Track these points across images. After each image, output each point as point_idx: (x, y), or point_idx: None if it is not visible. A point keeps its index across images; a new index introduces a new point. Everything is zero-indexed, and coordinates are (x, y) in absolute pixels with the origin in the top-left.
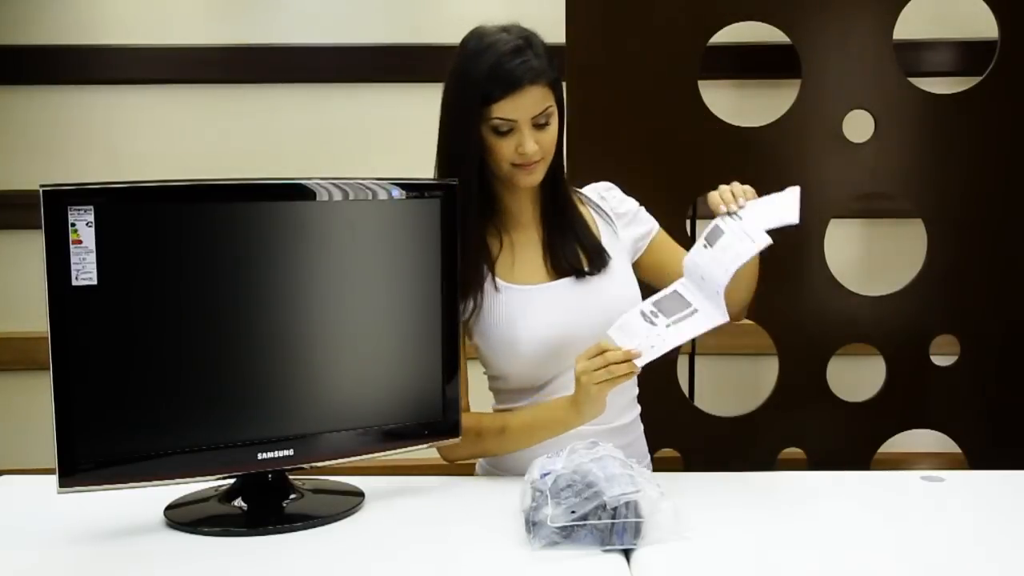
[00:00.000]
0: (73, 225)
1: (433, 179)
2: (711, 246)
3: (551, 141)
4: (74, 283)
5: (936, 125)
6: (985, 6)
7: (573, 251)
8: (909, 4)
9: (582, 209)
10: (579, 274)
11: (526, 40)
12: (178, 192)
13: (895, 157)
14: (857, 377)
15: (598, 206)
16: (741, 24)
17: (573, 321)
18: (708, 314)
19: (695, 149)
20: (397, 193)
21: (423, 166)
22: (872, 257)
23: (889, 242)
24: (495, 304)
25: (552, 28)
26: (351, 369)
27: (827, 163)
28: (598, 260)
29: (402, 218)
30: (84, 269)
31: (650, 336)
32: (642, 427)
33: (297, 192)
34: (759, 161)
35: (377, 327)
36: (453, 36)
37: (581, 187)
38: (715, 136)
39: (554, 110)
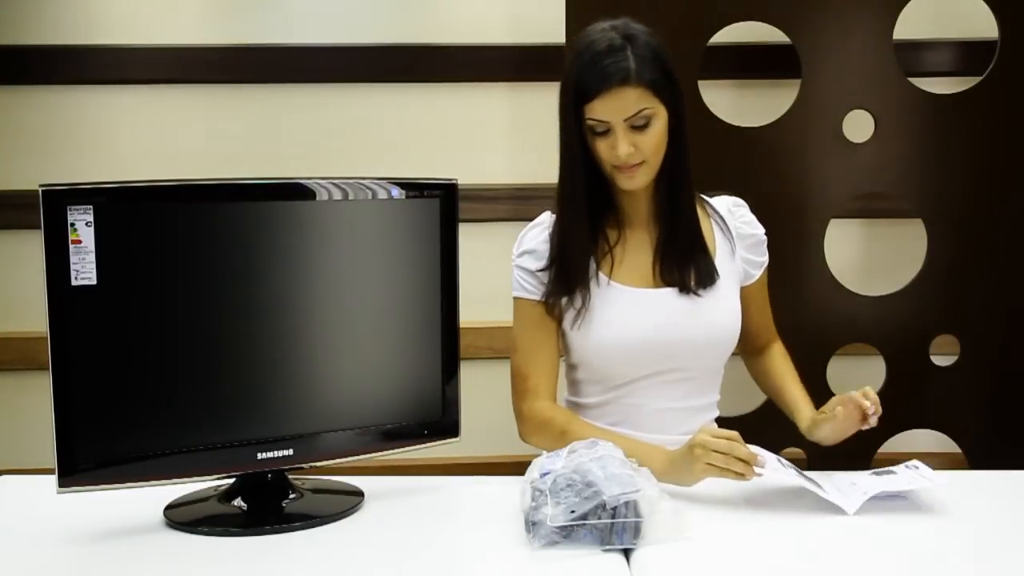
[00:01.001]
0: (72, 225)
1: (433, 179)
2: (879, 475)
3: (651, 144)
4: (73, 283)
5: (936, 125)
6: (985, 6)
7: (683, 263)
8: (909, 4)
9: (703, 220)
10: (684, 288)
11: (627, 38)
12: (177, 192)
13: (895, 157)
14: (857, 377)
15: (723, 220)
16: (741, 24)
17: (666, 333)
18: (839, 499)
19: (695, 149)
20: (397, 193)
21: (423, 166)
22: (872, 257)
23: (889, 242)
24: (595, 297)
25: (552, 28)
26: (351, 369)
27: (827, 163)
28: (707, 278)
29: (402, 218)
30: (83, 269)
31: (779, 468)
32: None
33: (297, 192)
34: (759, 161)
35: (377, 327)
36: (453, 36)
37: (712, 196)
38: (715, 136)
39: (655, 112)
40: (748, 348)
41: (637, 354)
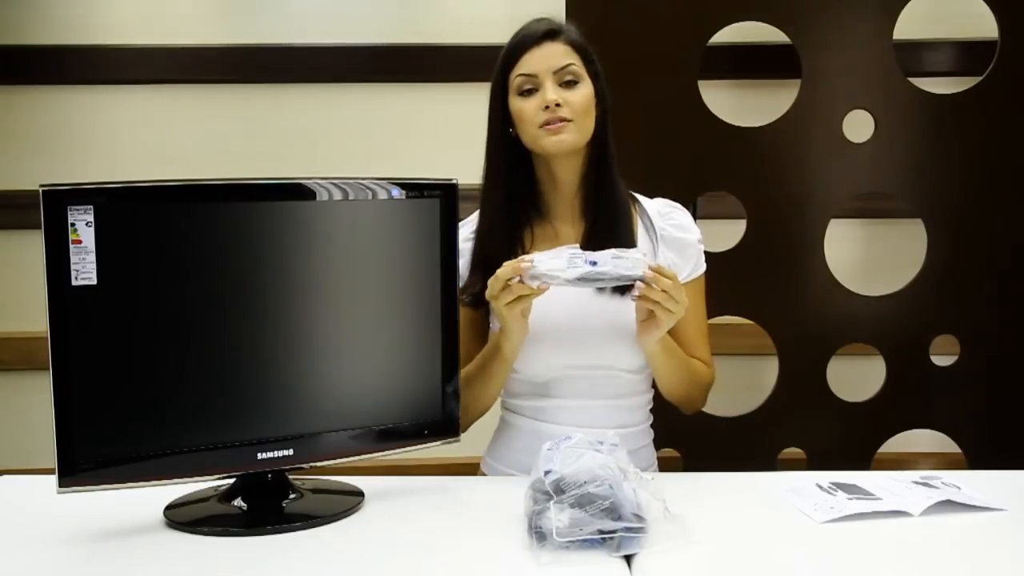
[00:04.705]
0: (73, 225)
1: (433, 179)
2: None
3: (579, 102)
4: (74, 283)
5: (936, 125)
6: (985, 6)
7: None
8: (909, 4)
9: (634, 217)
10: None
11: (555, 21)
12: (178, 192)
13: (895, 157)
14: (857, 377)
15: (650, 220)
16: (741, 24)
17: (576, 324)
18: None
19: (695, 149)
20: (397, 193)
21: (423, 166)
22: (872, 257)
23: (889, 242)
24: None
25: None
26: (351, 369)
27: (827, 163)
28: None
29: (402, 218)
30: (84, 269)
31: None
32: (652, 436)
33: (297, 192)
34: (759, 161)
35: (377, 327)
36: (453, 36)
37: (653, 196)
38: (715, 136)
39: (582, 74)
40: None
41: (543, 346)
